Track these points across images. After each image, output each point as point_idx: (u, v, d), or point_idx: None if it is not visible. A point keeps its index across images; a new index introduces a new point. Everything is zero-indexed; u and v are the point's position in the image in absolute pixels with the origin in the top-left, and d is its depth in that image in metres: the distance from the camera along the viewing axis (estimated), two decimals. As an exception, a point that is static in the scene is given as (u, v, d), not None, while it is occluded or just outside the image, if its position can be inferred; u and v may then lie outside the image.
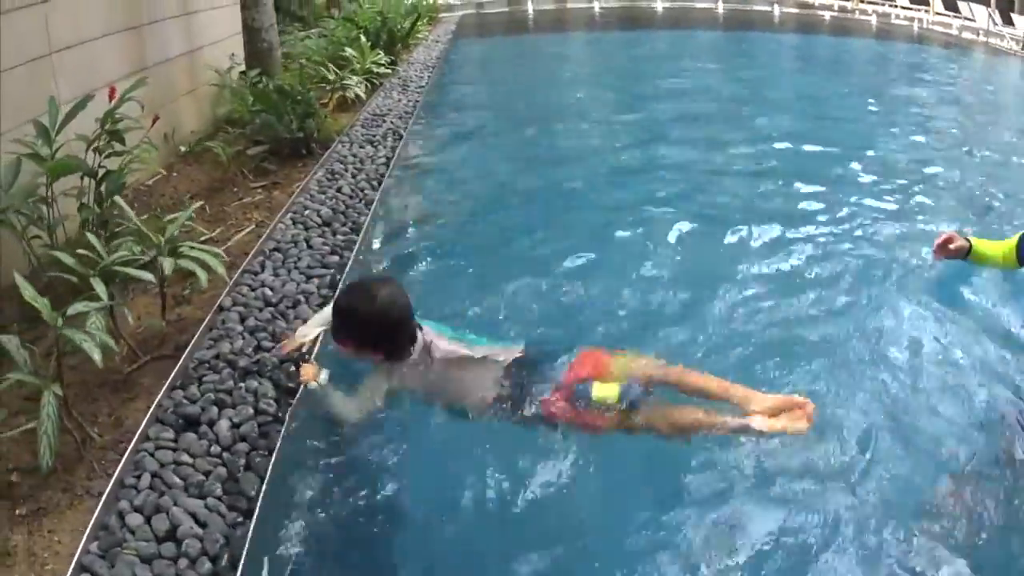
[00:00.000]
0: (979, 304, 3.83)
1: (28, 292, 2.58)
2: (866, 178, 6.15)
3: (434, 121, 8.26)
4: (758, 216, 5.03)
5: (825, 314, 3.76)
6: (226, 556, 2.32)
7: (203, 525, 2.42)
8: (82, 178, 3.86)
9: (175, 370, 3.15)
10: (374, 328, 2.91)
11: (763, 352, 3.33)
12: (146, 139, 4.35)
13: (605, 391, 2.78)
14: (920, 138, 7.79)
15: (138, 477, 2.59)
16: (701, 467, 2.66)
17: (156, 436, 2.77)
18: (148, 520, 2.42)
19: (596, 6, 24.44)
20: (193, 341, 3.37)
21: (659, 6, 24.82)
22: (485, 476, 2.62)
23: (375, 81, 9.10)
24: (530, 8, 23.78)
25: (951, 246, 3.78)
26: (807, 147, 7.18)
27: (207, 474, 2.63)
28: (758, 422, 2.68)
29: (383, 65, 9.64)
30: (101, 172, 3.87)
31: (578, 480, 2.61)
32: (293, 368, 3.13)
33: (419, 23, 13.01)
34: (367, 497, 2.61)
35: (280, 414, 2.96)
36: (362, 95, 8.27)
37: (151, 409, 2.90)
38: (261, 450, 2.78)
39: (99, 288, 2.87)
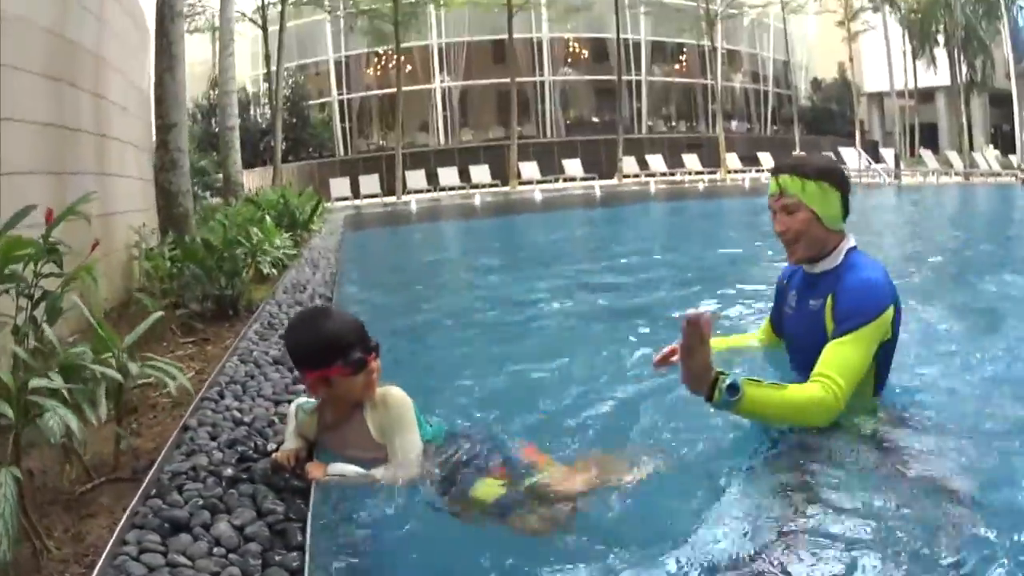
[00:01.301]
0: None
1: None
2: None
3: (353, 293, 8.14)
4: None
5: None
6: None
7: (225, 628, 1.86)
8: (17, 298, 3.34)
9: (148, 478, 2.60)
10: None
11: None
12: (84, 272, 3.87)
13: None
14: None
15: (123, 582, 2.02)
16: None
17: (138, 540, 2.21)
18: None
19: (476, 199, 25.56)
20: (163, 454, 2.83)
21: (537, 195, 26.06)
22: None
23: (283, 262, 8.85)
24: (413, 205, 24.64)
25: (674, 358, 2.99)
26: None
27: (215, 575, 2.08)
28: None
29: (289, 247, 9.46)
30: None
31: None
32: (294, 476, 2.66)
33: (317, 210, 13.03)
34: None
35: (292, 514, 2.43)
36: (275, 271, 8.02)
37: (126, 515, 2.34)
38: (279, 549, 2.25)
39: (57, 380, 2.38)
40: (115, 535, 2.22)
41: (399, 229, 17.90)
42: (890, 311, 2.75)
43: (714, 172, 33.72)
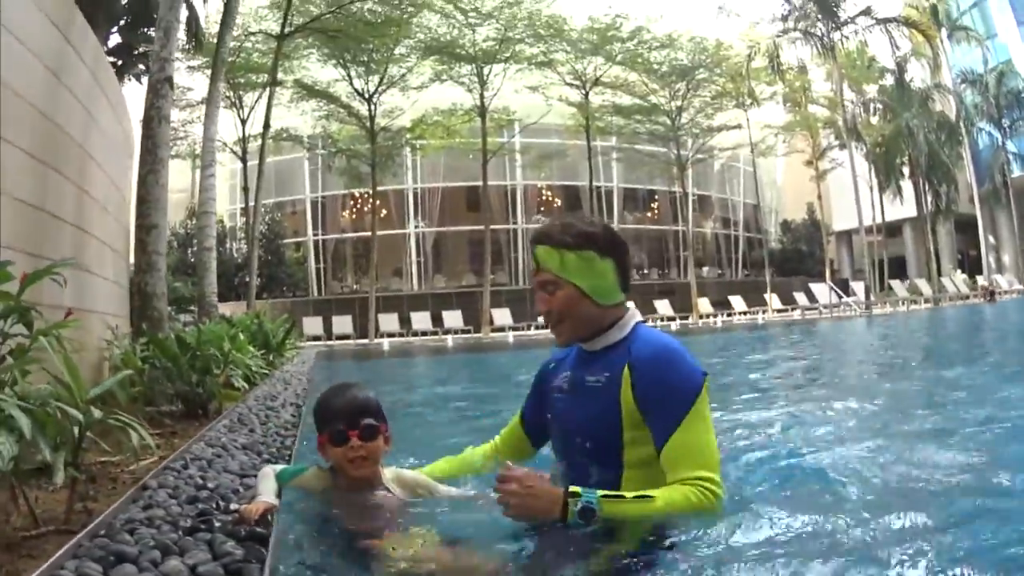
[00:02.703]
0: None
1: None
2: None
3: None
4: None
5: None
6: None
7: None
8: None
9: (98, 520, 2.36)
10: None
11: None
12: (54, 333, 3.67)
13: None
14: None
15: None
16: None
17: (76, 568, 1.97)
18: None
19: (449, 341, 25.84)
20: (117, 504, 2.59)
21: (510, 337, 26.42)
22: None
23: (254, 378, 8.64)
24: (385, 345, 24.76)
25: None
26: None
27: (157, 605, 1.82)
28: None
29: (262, 366, 9.25)
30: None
31: None
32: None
33: (290, 336, 12.90)
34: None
35: (251, 558, 2.19)
36: (246, 385, 7.82)
37: (68, 545, 2.11)
38: (234, 586, 2.00)
39: (17, 414, 2.23)
40: (51, 560, 1.97)
41: (371, 362, 18.11)
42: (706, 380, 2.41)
43: (686, 317, 34.09)
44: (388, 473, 2.73)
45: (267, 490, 2.68)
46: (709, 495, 2.25)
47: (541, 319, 2.83)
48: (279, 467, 2.90)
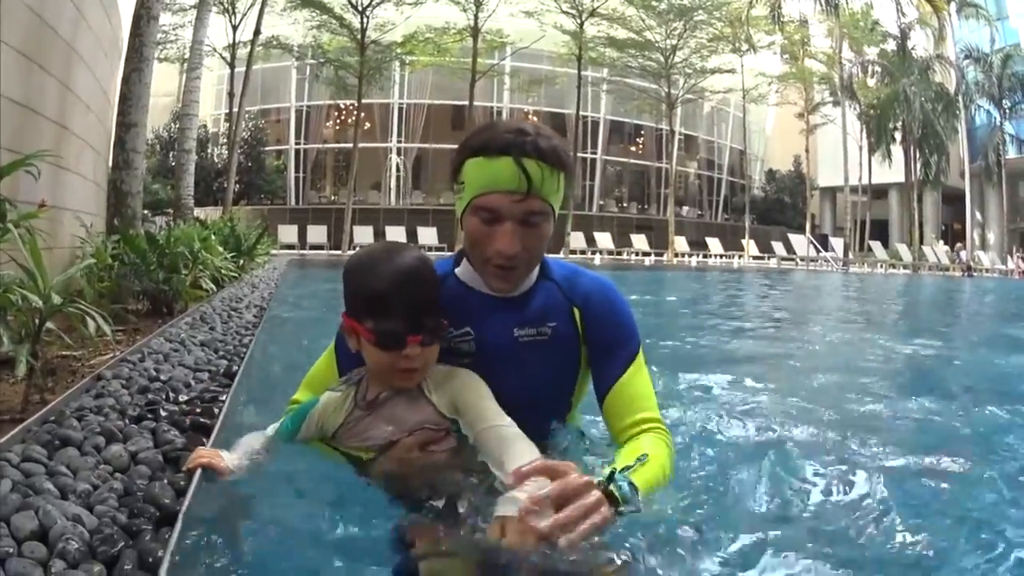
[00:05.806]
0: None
1: None
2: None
3: (289, 308, 8.30)
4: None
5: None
6: (134, 557, 1.59)
7: (91, 532, 1.68)
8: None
9: (47, 407, 2.49)
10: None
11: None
12: (26, 224, 3.71)
13: None
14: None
15: (-7, 483, 1.86)
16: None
17: (22, 453, 2.08)
18: (6, 521, 1.66)
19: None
20: (69, 393, 2.71)
21: None
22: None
23: (223, 280, 8.73)
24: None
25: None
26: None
27: (95, 487, 1.93)
28: None
29: (231, 270, 9.31)
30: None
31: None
32: None
33: (262, 241, 12.95)
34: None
35: (191, 447, 2.31)
36: (214, 288, 7.91)
37: (16, 429, 2.24)
38: (171, 473, 2.12)
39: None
40: (-1, 441, 2.10)
41: (341, 269, 18.34)
42: None
43: (661, 254, 34.34)
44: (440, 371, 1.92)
45: (233, 456, 1.93)
46: (668, 439, 1.93)
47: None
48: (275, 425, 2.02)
